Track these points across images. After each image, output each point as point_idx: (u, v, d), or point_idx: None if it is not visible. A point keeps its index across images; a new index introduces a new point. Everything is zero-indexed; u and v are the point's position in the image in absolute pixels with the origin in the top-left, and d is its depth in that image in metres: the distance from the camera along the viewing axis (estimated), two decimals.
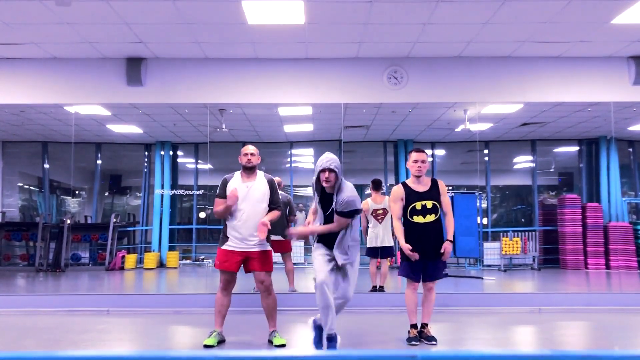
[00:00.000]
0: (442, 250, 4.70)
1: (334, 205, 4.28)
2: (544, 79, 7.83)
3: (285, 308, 5.88)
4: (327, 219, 4.40)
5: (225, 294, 4.74)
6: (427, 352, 1.43)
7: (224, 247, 4.71)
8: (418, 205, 4.73)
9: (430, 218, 4.74)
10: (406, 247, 4.68)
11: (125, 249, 11.62)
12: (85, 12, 6.12)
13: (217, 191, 4.79)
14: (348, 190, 4.29)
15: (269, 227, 4.61)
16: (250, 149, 4.81)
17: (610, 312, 6.37)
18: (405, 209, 4.78)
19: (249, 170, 4.78)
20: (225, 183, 4.77)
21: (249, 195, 4.66)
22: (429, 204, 4.75)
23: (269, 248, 4.80)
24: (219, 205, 4.72)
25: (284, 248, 7.06)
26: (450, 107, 8.90)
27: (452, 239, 4.77)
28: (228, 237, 4.71)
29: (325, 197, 4.41)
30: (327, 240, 4.42)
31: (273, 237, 6.40)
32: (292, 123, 10.20)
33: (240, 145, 4.87)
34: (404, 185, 4.86)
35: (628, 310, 6.44)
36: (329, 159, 4.30)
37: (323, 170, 4.28)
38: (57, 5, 5.65)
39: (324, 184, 4.29)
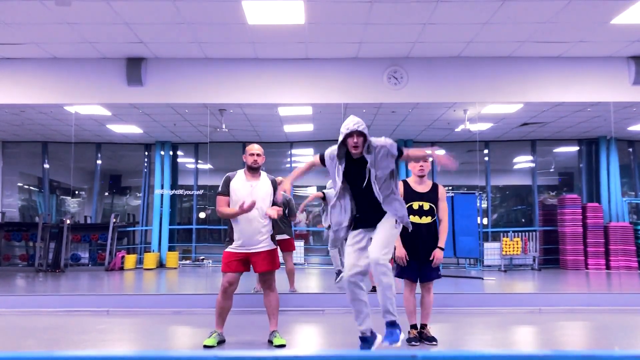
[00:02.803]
0: (431, 257, 4.68)
1: (372, 161, 3.80)
2: (544, 79, 7.83)
3: (286, 308, 5.87)
4: (361, 192, 3.90)
5: (226, 297, 4.68)
6: (427, 352, 1.43)
7: (229, 249, 4.70)
8: (415, 205, 4.72)
9: (426, 220, 4.73)
10: (402, 253, 4.68)
11: (125, 249, 11.62)
12: (85, 12, 6.12)
13: (220, 189, 4.73)
14: (378, 139, 3.86)
15: (280, 212, 4.57)
16: (256, 148, 4.77)
17: (610, 312, 6.37)
18: None
19: (254, 170, 4.76)
20: (228, 181, 4.72)
21: (253, 195, 4.63)
22: (426, 205, 4.74)
23: (275, 247, 4.79)
24: (222, 205, 4.67)
25: (287, 247, 7.07)
26: (450, 107, 8.90)
27: (443, 246, 4.73)
28: (233, 240, 4.69)
29: (353, 164, 3.90)
30: (367, 219, 3.94)
31: (279, 237, 6.42)
32: (292, 123, 10.20)
33: (240, 145, 4.86)
34: (405, 183, 4.86)
35: (628, 310, 6.43)
36: (356, 121, 3.82)
37: (351, 135, 3.79)
38: (57, 5, 5.65)
39: (353, 150, 3.82)
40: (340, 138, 3.87)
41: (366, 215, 3.97)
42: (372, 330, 4.00)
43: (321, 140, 11.63)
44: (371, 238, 3.92)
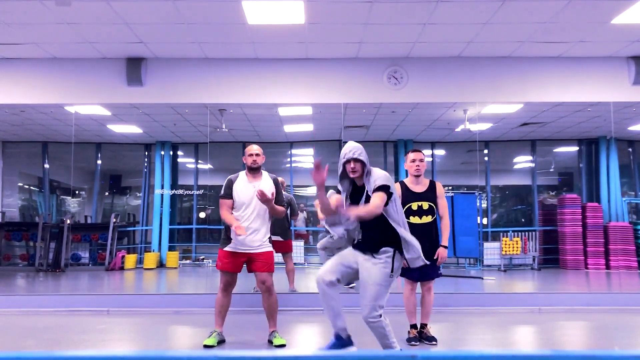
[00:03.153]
0: (435, 257, 4.66)
1: (367, 191, 3.79)
2: (544, 79, 7.83)
3: (286, 308, 5.88)
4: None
5: (225, 294, 4.73)
6: (427, 352, 1.43)
7: (226, 248, 4.69)
8: (414, 206, 4.72)
9: (427, 219, 4.73)
10: None
11: (125, 249, 11.62)
12: (85, 12, 6.12)
13: (222, 191, 4.73)
14: (377, 171, 3.89)
15: (267, 196, 4.49)
16: (254, 149, 4.77)
17: (610, 312, 6.37)
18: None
19: (255, 170, 4.76)
20: (230, 184, 4.72)
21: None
22: (425, 205, 4.74)
23: (271, 249, 4.79)
24: (225, 208, 4.67)
25: (284, 248, 7.08)
26: (450, 107, 8.90)
27: (446, 244, 4.73)
28: (230, 239, 4.68)
29: (357, 191, 3.94)
30: (368, 242, 3.86)
31: (274, 238, 6.40)
32: (292, 123, 10.20)
33: (240, 145, 4.86)
34: (402, 184, 4.86)
35: (628, 310, 6.44)
36: (353, 148, 3.89)
37: (348, 162, 3.88)
38: (57, 5, 5.65)
39: (352, 175, 3.88)
40: (340, 164, 3.94)
41: (366, 238, 3.89)
42: (348, 333, 3.90)
43: (321, 140, 11.63)
44: (352, 266, 3.87)
